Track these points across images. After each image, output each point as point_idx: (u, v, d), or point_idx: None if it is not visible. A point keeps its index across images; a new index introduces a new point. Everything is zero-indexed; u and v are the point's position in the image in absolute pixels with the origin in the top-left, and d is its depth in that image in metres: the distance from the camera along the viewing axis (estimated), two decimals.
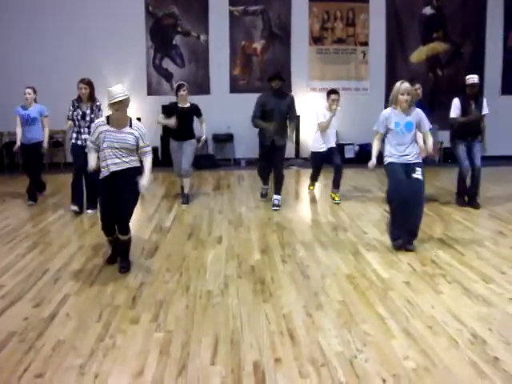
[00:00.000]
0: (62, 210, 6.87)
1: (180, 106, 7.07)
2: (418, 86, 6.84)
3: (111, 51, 10.94)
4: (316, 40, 11.85)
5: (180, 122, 6.95)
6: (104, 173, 4.40)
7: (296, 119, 7.15)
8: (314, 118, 7.52)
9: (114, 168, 4.36)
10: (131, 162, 4.44)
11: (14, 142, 7.23)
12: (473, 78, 6.75)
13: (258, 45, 11.75)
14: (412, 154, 5.03)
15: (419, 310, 3.63)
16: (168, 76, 11.41)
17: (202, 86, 11.44)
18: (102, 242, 5.39)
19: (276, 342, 3.18)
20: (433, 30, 11.91)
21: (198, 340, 3.23)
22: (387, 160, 5.12)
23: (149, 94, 11.40)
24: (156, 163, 10.90)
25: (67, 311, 3.66)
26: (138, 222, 6.25)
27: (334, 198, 7.37)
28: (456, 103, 6.83)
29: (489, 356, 2.98)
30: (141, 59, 11.41)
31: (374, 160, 5.18)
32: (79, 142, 6.58)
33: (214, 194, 8.21)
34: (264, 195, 7.55)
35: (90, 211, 6.76)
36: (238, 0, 11.52)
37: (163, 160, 10.64)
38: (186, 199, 7.28)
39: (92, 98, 6.55)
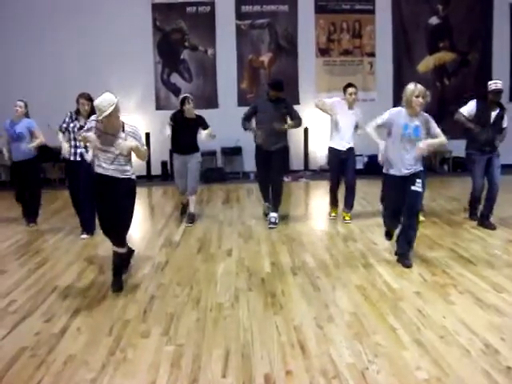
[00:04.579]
0: (70, 227, 6.78)
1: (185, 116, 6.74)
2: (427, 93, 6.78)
3: (119, 66, 11.02)
4: (323, 52, 11.90)
5: (184, 134, 6.69)
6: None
7: (299, 119, 6.61)
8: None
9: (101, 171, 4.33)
10: (121, 168, 4.34)
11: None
12: (496, 84, 6.16)
13: (265, 58, 11.82)
14: (413, 165, 4.75)
15: (431, 321, 3.61)
16: (176, 91, 11.47)
17: (210, 99, 11.50)
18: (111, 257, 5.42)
19: (287, 354, 3.17)
20: (439, 39, 11.92)
21: (208, 353, 3.22)
22: (388, 170, 4.89)
23: (157, 108, 11.47)
24: (165, 177, 11.04)
25: (78, 326, 3.68)
26: (147, 236, 6.27)
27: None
28: (472, 104, 6.25)
29: (502, 366, 2.95)
30: (149, 74, 11.50)
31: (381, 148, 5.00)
32: (72, 158, 6.07)
33: (223, 207, 8.23)
34: (267, 214, 6.87)
35: (84, 236, 6.23)
36: (245, 14, 11.62)
37: (172, 174, 10.62)
38: (192, 218, 6.83)
39: (93, 113, 6.06)
